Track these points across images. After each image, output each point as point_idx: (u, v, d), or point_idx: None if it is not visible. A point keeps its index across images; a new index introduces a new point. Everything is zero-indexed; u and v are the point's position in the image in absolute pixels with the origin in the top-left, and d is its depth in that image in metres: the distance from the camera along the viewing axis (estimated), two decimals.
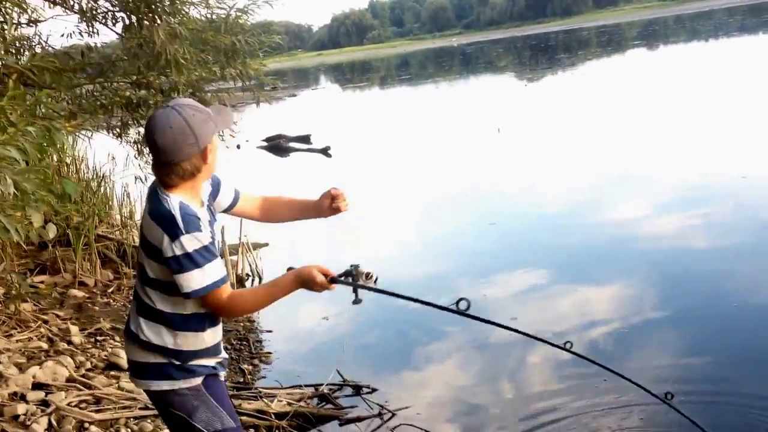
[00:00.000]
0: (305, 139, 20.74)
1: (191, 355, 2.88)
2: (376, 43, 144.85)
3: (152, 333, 2.85)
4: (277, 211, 3.32)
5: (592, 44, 59.26)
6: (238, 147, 20.73)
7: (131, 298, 3.07)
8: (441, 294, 7.66)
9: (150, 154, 2.88)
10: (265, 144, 21.30)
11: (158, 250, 2.69)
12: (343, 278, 2.91)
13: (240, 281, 8.56)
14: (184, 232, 2.65)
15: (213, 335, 2.95)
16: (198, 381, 2.90)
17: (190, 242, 2.65)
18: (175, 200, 2.71)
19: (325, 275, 2.86)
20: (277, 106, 34.39)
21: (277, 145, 20.96)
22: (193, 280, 2.68)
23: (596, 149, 14.64)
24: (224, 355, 3.07)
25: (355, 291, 2.94)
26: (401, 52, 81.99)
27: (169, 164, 2.70)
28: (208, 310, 2.83)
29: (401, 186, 13.82)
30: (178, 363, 2.86)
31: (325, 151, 18.95)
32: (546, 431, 4.88)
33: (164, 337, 2.84)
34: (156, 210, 2.72)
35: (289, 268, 2.90)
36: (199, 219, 2.71)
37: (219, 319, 2.97)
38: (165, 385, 2.88)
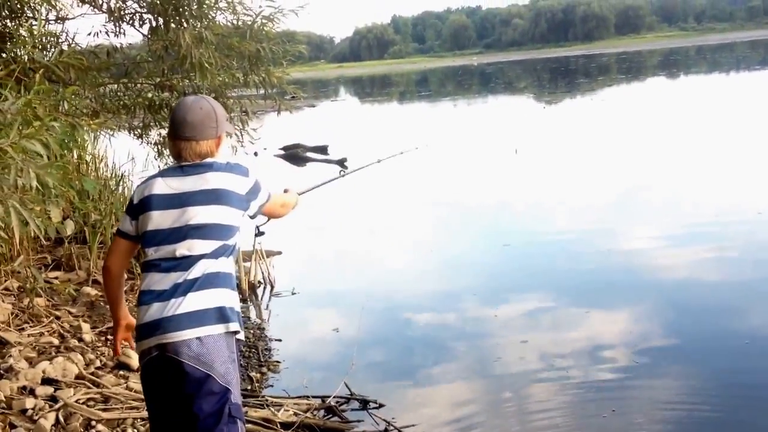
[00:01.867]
0: (322, 149, 20.78)
1: None
2: (397, 58, 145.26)
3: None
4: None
5: (612, 70, 59.21)
6: (256, 154, 20.74)
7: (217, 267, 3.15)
8: (449, 311, 7.70)
9: (169, 134, 3.28)
10: (282, 153, 21.35)
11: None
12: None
13: (252, 288, 8.56)
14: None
15: None
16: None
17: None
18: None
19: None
20: (296, 116, 34.31)
21: (294, 155, 21.01)
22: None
23: (612, 176, 14.59)
24: None
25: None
26: (421, 68, 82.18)
27: (189, 140, 3.13)
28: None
29: (416, 202, 13.80)
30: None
31: (341, 163, 18.92)
32: None
33: None
34: (217, 165, 3.21)
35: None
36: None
37: None
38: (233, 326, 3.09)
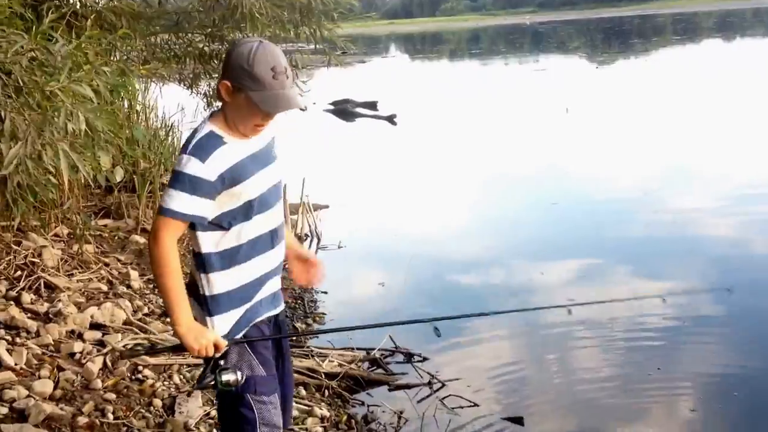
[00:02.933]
0: (372, 105, 20.68)
1: None
2: (449, 15, 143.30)
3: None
4: None
5: (666, 32, 57.71)
6: (305, 109, 20.72)
7: (192, 247, 2.79)
8: (494, 267, 7.66)
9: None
10: (331, 108, 21.32)
11: None
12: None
13: (299, 239, 8.59)
14: (187, 151, 2.57)
15: None
16: None
17: (186, 162, 2.56)
18: (208, 126, 2.65)
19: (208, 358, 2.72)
20: (347, 72, 34.31)
21: (343, 110, 20.97)
22: (173, 198, 2.57)
23: (664, 138, 14.28)
24: None
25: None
26: (473, 26, 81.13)
27: (219, 78, 2.68)
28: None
29: (464, 160, 13.68)
30: None
31: (390, 119, 18.91)
32: (591, 413, 4.85)
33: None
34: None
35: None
36: (211, 151, 2.58)
37: None
38: None
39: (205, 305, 2.76)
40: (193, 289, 2.78)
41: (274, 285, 2.92)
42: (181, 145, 2.65)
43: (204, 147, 2.57)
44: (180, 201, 2.54)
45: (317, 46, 8.22)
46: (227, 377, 2.68)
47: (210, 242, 2.70)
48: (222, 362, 2.71)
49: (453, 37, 71.91)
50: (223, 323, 2.76)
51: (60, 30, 3.36)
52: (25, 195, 3.46)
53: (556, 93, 21.50)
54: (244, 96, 2.56)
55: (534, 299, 6.74)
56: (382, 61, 45.80)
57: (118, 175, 6.23)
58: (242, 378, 2.72)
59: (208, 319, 2.75)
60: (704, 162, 12.18)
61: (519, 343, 6.00)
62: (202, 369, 2.77)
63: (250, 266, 2.77)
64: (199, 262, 2.73)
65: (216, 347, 2.66)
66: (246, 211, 2.70)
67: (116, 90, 3.84)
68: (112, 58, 4.50)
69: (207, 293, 2.75)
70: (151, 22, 7.86)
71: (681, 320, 6.09)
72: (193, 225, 2.64)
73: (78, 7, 6.00)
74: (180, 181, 2.53)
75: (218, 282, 2.74)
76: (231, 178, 2.62)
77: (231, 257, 2.74)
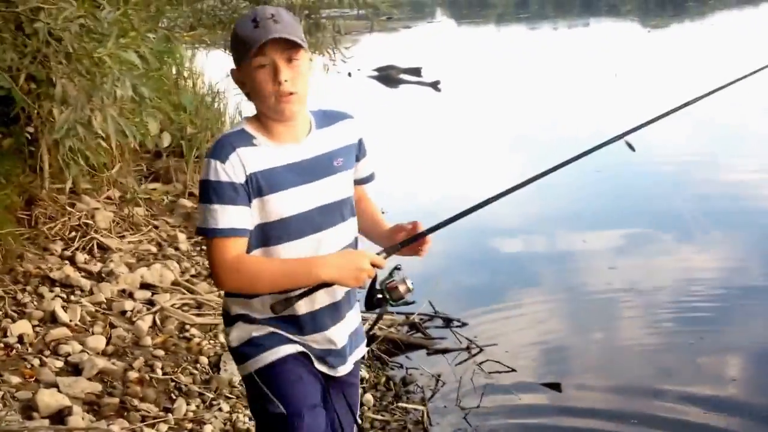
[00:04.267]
0: (416, 71, 20.60)
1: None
2: None
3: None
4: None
5: None
6: (349, 75, 20.79)
7: None
8: (535, 234, 7.68)
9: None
10: (375, 74, 21.29)
11: None
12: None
13: None
14: (209, 155, 2.21)
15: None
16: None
17: (209, 169, 2.17)
18: (240, 125, 2.31)
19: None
20: (391, 37, 34.13)
21: (387, 76, 20.92)
22: (208, 217, 2.17)
23: (715, 105, 13.97)
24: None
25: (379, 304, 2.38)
26: None
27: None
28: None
29: (508, 126, 13.61)
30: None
31: (434, 85, 18.84)
32: (630, 380, 4.88)
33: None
34: None
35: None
36: (233, 148, 2.19)
37: None
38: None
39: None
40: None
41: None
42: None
43: (225, 145, 2.19)
44: (211, 216, 2.17)
45: (359, 11, 8.24)
46: (398, 291, 2.36)
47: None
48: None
49: (500, 1, 70.86)
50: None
51: None
52: (77, 159, 3.59)
53: (605, 58, 21.14)
54: (245, 69, 2.22)
55: (576, 266, 6.77)
56: (427, 26, 45.33)
57: (166, 140, 6.36)
58: (412, 285, 2.38)
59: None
60: (758, 129, 11.91)
61: (558, 309, 6.06)
62: (366, 291, 2.38)
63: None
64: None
65: (376, 266, 2.29)
66: (278, 233, 2.28)
67: (162, 56, 3.94)
68: (159, 24, 4.60)
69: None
70: None
71: (728, 290, 6.05)
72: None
73: None
74: (204, 191, 2.18)
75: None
76: (259, 186, 2.21)
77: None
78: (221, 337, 4.99)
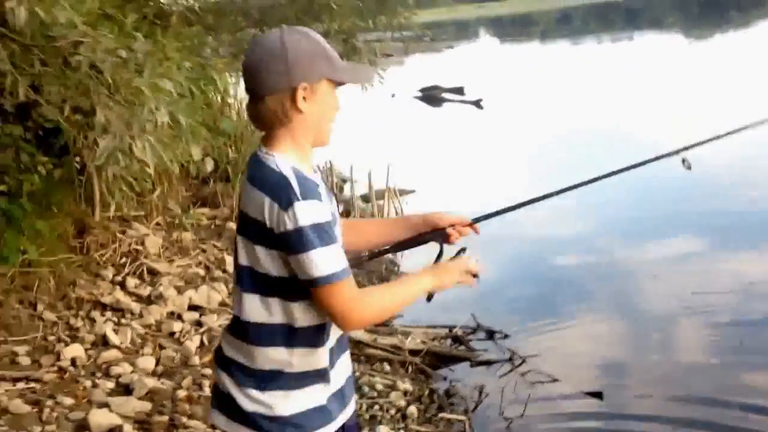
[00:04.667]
0: (459, 90, 20.76)
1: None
2: None
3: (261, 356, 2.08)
4: (363, 233, 2.41)
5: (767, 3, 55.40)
6: (393, 96, 21.04)
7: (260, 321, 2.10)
8: (580, 246, 7.67)
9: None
10: (419, 94, 21.54)
11: (264, 229, 1.96)
12: None
13: None
14: (299, 198, 1.92)
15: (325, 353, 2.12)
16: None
17: (309, 212, 1.92)
18: (283, 160, 1.99)
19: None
20: (435, 58, 34.39)
21: (431, 96, 21.17)
22: (325, 262, 1.94)
23: (757, 111, 13.69)
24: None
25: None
26: (563, 5, 79.45)
27: (254, 97, 2.01)
28: (322, 315, 2.03)
29: (550, 140, 13.59)
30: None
31: (477, 103, 18.99)
32: (672, 392, 4.86)
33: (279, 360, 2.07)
34: (257, 174, 2.00)
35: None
36: (317, 186, 2.00)
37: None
38: None
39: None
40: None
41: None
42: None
43: (310, 184, 1.97)
44: (330, 259, 1.95)
45: (395, 33, 8.36)
46: None
47: (305, 311, 2.04)
48: None
49: (543, 18, 70.68)
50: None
51: (144, 29, 3.63)
52: (120, 185, 3.75)
53: (648, 70, 20.98)
54: (323, 87, 2.02)
55: (623, 276, 6.76)
56: (470, 45, 45.56)
57: (209, 166, 6.54)
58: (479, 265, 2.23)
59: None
60: None
61: (601, 320, 6.07)
62: None
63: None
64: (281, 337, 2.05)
65: (474, 275, 2.24)
66: None
67: (198, 84, 4.10)
68: (195, 53, 4.77)
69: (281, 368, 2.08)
70: (237, 18, 8.17)
71: None
72: (282, 291, 2.02)
73: (163, 4, 6.36)
74: (315, 234, 1.92)
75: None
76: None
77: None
78: None
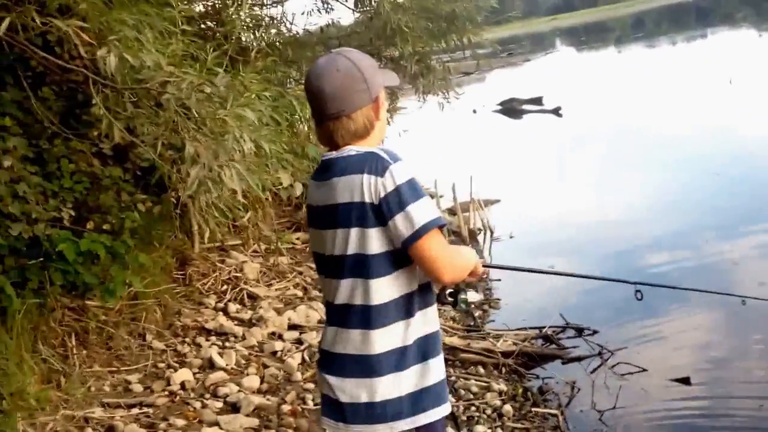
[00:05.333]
0: (537, 101, 20.81)
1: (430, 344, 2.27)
2: (611, 3, 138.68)
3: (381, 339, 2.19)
4: None
5: None
6: (474, 111, 21.23)
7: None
8: (658, 243, 7.60)
9: (312, 116, 2.34)
10: (499, 108, 21.68)
11: (364, 208, 2.13)
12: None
13: (472, 234, 8.94)
14: (392, 161, 2.13)
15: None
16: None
17: (403, 171, 2.13)
18: (357, 147, 2.23)
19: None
20: (513, 72, 34.34)
21: (510, 108, 21.29)
22: (425, 210, 2.12)
23: None
24: None
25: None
26: (636, 10, 78.16)
27: (339, 117, 2.19)
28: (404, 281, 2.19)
29: (628, 142, 13.51)
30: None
31: (556, 111, 19.02)
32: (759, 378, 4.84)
33: (399, 336, 2.20)
34: (339, 167, 2.21)
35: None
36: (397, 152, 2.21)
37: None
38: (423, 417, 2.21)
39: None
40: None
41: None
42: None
43: (391, 152, 2.19)
44: (429, 208, 2.14)
45: (470, 52, 8.50)
46: (466, 296, 2.40)
47: (411, 277, 2.22)
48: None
49: (616, 24, 69.74)
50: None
51: (225, 65, 3.89)
52: (213, 213, 4.01)
53: (719, 65, 20.59)
54: (382, 94, 2.29)
55: (709, 276, 6.73)
56: (546, 57, 45.25)
57: (298, 190, 6.78)
58: (482, 297, 2.45)
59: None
60: None
61: (683, 310, 6.06)
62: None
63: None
64: (394, 311, 2.20)
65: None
66: None
67: (279, 113, 4.35)
68: (272, 83, 5.04)
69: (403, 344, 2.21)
70: (315, 48, 8.47)
71: None
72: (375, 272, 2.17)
73: (242, 42, 6.71)
74: (413, 188, 2.11)
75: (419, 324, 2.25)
76: None
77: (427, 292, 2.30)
78: None
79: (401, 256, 2.16)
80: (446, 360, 5.29)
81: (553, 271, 2.94)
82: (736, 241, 7.39)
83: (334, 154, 2.23)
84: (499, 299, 6.86)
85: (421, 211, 2.10)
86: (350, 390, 2.20)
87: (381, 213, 2.11)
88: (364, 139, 2.23)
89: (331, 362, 2.27)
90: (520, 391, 5.03)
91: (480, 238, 8.99)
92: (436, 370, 2.24)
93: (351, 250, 2.17)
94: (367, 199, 2.11)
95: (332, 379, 2.24)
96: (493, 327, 6.15)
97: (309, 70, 2.27)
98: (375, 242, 2.14)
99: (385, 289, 2.17)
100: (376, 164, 2.12)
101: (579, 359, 5.43)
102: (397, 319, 2.18)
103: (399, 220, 2.09)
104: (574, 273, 2.93)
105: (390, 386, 2.16)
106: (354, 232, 2.16)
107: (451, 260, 2.17)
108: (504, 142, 15.97)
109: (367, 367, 2.18)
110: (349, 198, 2.15)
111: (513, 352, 5.45)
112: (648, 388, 4.87)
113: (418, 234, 2.09)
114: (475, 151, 14.40)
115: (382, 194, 2.10)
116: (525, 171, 12.21)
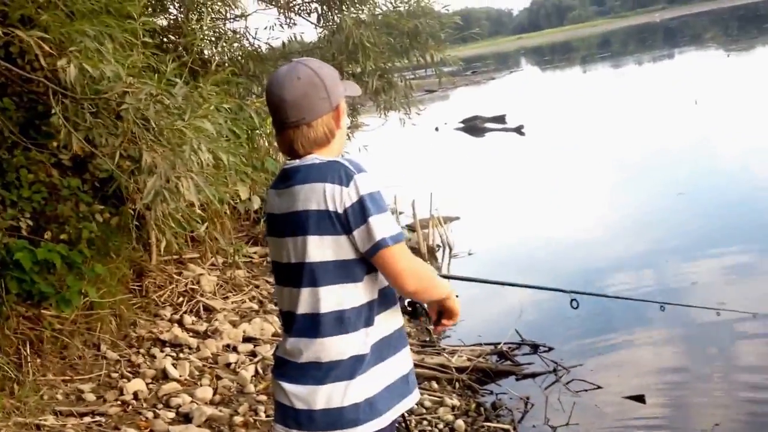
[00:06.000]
0: (500, 119, 21.05)
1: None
2: (576, 23, 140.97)
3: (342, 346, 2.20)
4: None
5: None
6: (437, 129, 21.42)
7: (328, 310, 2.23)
8: (614, 262, 7.75)
9: (273, 124, 2.33)
10: (462, 125, 21.87)
11: (325, 216, 2.14)
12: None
13: (431, 251, 9.01)
14: (356, 172, 2.15)
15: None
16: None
17: (367, 182, 2.14)
18: (323, 156, 2.25)
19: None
20: (478, 90, 34.72)
21: (473, 126, 21.48)
22: (388, 223, 2.13)
23: None
24: None
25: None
26: (601, 30, 79.59)
27: (299, 125, 2.21)
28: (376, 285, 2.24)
29: (589, 161, 13.76)
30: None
31: (518, 130, 19.24)
32: (711, 394, 4.93)
33: (358, 343, 2.21)
34: (301, 175, 2.21)
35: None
36: (361, 162, 2.24)
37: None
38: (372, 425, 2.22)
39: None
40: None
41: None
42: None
43: (355, 162, 2.20)
44: (392, 222, 2.16)
45: (435, 69, 8.57)
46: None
47: (370, 288, 2.23)
48: None
49: (581, 44, 70.81)
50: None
51: (184, 76, 3.91)
52: (169, 223, 4.01)
53: (685, 86, 21.03)
54: (343, 102, 2.32)
55: (661, 292, 6.82)
56: (511, 76, 45.79)
57: (255, 204, 6.79)
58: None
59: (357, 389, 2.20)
60: None
61: (638, 328, 6.16)
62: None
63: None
64: (355, 319, 2.20)
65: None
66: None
67: (238, 125, 4.37)
68: (230, 94, 5.07)
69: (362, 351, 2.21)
70: (277, 63, 8.49)
71: None
72: (352, 276, 2.20)
73: (202, 55, 6.72)
74: (377, 201, 2.13)
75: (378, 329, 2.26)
76: None
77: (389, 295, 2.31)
78: None
79: (363, 265, 2.18)
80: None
81: (489, 280, 2.95)
82: (696, 260, 7.49)
83: (296, 162, 2.24)
84: None
85: (383, 224, 2.11)
86: (305, 397, 2.20)
87: (344, 222, 2.12)
88: (324, 147, 2.25)
89: (287, 369, 2.27)
90: (473, 406, 5.06)
91: (439, 254, 9.07)
92: (397, 366, 2.27)
93: (311, 258, 2.18)
94: (330, 208, 2.12)
95: (288, 386, 2.23)
96: (448, 343, 6.21)
97: (270, 79, 2.28)
98: (336, 250, 2.16)
99: (344, 297, 2.18)
100: (340, 173, 2.13)
101: (534, 375, 5.49)
102: (357, 327, 2.19)
103: (362, 231, 2.11)
104: (508, 282, 3.02)
105: (346, 392, 2.17)
106: (315, 239, 2.16)
107: (416, 271, 2.18)
108: (465, 160, 16.11)
109: (323, 374, 2.18)
110: (311, 206, 2.15)
111: (467, 368, 5.50)
112: (602, 405, 4.93)
113: (379, 246, 2.11)
114: (436, 168, 14.55)
115: (347, 204, 2.11)
116: (486, 188, 12.34)
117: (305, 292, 2.20)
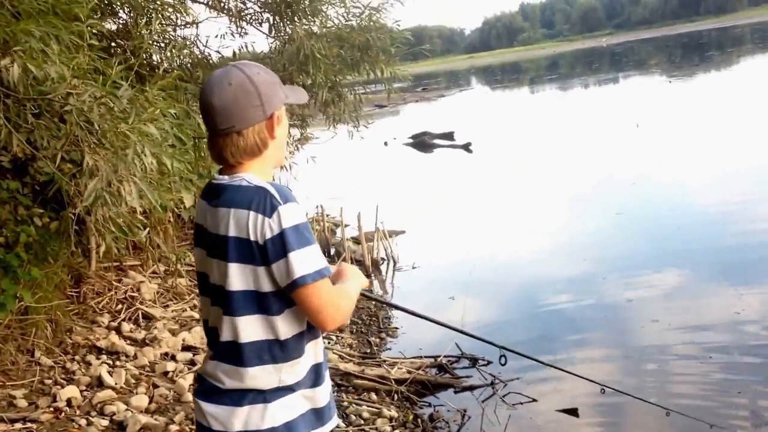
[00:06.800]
0: (449, 135, 21.26)
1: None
2: (526, 45, 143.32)
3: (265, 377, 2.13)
4: None
5: (746, 41, 56.42)
6: (385, 144, 21.55)
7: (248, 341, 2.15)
8: (555, 278, 7.89)
9: (206, 131, 2.20)
10: (410, 141, 22.03)
11: (246, 245, 2.04)
12: None
13: (375, 264, 9.04)
14: (281, 202, 2.03)
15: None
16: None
17: (291, 214, 2.03)
18: (252, 177, 2.11)
19: None
20: (428, 106, 34.98)
21: (422, 142, 21.66)
22: (309, 259, 2.04)
23: (735, 146, 13.99)
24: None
25: None
26: (550, 53, 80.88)
27: (229, 133, 2.09)
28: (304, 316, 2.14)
29: (534, 180, 13.95)
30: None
31: (466, 147, 19.48)
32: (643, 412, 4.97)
33: (283, 374, 2.14)
34: (228, 196, 2.09)
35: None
36: (291, 190, 2.12)
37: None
38: None
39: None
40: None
41: None
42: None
43: (284, 191, 2.08)
44: (317, 256, 2.07)
45: (386, 85, 8.62)
46: None
47: (296, 320, 2.14)
48: None
49: (531, 65, 71.86)
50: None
51: (130, 79, 3.88)
52: (110, 227, 3.97)
53: (627, 110, 21.52)
54: (282, 111, 2.20)
55: (595, 307, 7.00)
56: (461, 94, 46.23)
57: None
58: None
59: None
60: None
61: (575, 344, 6.28)
62: None
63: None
64: (279, 350, 2.12)
65: None
66: None
67: (184, 132, 4.35)
68: (176, 99, 5.03)
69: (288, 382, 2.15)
70: None
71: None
72: (269, 308, 2.09)
73: (150, 61, 6.68)
74: (302, 234, 2.03)
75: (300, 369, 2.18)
76: None
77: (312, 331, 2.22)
78: None
79: (284, 298, 2.08)
80: (339, 386, 5.37)
81: (424, 315, 2.97)
82: (632, 279, 7.63)
83: (225, 179, 2.12)
84: (397, 328, 6.98)
85: (303, 260, 2.02)
86: (223, 419, 2.13)
87: (264, 254, 2.02)
88: (256, 158, 2.14)
89: (206, 388, 2.19)
90: (411, 417, 5.10)
91: (383, 267, 9.11)
92: (321, 393, 2.22)
93: (231, 286, 2.08)
94: (252, 237, 2.02)
95: (206, 406, 2.15)
96: (389, 355, 6.24)
97: (204, 84, 2.14)
98: (255, 281, 2.06)
99: (264, 328, 2.10)
100: (264, 202, 2.02)
101: (471, 388, 5.54)
102: (284, 358, 2.12)
103: (280, 265, 2.01)
104: (446, 324, 3.07)
105: (264, 416, 2.11)
106: (235, 268, 2.07)
107: (335, 309, 2.11)
108: (413, 175, 16.24)
109: (242, 396, 2.12)
110: (235, 233, 2.05)
111: (407, 380, 5.54)
112: (536, 418, 5.01)
113: (297, 284, 2.02)
114: (383, 182, 14.64)
115: (268, 236, 2.00)
116: (432, 204, 12.43)
117: (226, 320, 2.11)
